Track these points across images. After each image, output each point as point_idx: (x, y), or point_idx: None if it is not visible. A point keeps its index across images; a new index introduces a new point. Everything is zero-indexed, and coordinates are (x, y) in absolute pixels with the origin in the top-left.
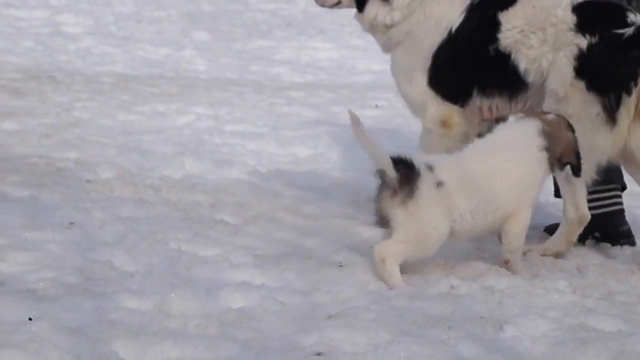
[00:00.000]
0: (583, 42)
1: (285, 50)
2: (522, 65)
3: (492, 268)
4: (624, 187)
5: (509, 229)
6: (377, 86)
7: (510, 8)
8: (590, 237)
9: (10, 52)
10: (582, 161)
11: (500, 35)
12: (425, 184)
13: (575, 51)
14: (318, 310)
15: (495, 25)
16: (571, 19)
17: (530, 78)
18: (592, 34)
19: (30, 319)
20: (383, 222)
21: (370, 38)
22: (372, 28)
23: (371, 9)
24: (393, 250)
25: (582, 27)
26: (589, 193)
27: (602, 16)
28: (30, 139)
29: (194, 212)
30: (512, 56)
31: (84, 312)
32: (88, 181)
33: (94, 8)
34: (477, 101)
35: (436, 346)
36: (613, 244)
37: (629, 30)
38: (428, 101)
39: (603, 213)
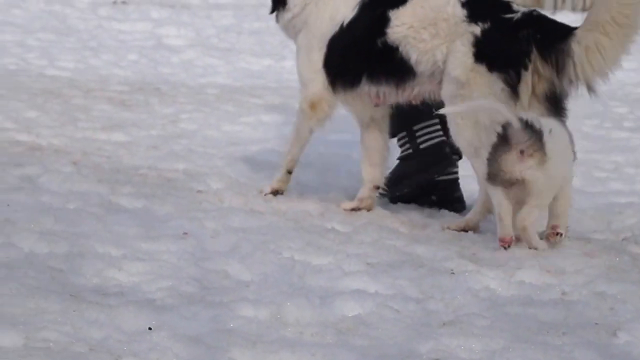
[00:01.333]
0: (477, 29)
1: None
2: (414, 57)
3: (602, 274)
4: (460, 157)
5: None
6: None
7: (400, 7)
8: (427, 199)
9: (115, 65)
10: None
11: (389, 31)
12: (552, 143)
13: (471, 38)
14: (432, 317)
15: (385, 21)
16: (462, 12)
17: (420, 68)
18: (484, 21)
19: (150, 328)
20: (505, 183)
21: None
22: (285, 31)
23: (280, 17)
24: (530, 215)
25: (473, 17)
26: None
27: (490, 7)
28: (139, 150)
29: (305, 221)
30: (400, 49)
31: (202, 321)
32: (199, 192)
33: (195, 20)
34: (366, 87)
35: (551, 352)
36: (447, 208)
37: (517, 15)
38: (315, 81)
39: (444, 180)
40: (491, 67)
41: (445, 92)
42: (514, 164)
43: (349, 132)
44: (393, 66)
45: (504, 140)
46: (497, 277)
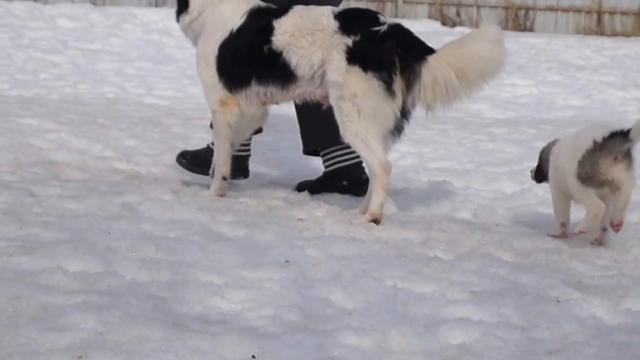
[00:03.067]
0: (349, 40)
1: (485, 87)
2: (294, 61)
3: None
4: None
5: None
6: (578, 121)
7: (282, 17)
8: (339, 185)
9: None
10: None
11: (273, 38)
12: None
13: (344, 48)
14: (538, 345)
15: (270, 30)
16: (335, 24)
17: (300, 72)
18: (355, 34)
19: (253, 356)
20: (597, 183)
21: (569, 73)
22: (185, 33)
23: (180, 20)
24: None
25: (345, 29)
26: (339, 149)
27: (360, 19)
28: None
29: (407, 249)
30: (284, 55)
31: (306, 350)
32: (300, 220)
33: None
34: (256, 88)
35: None
36: (356, 192)
37: (383, 27)
38: (214, 84)
39: (349, 165)
40: (365, 68)
41: (332, 97)
42: (608, 167)
43: (455, 160)
44: (277, 69)
45: (601, 147)
46: (603, 305)
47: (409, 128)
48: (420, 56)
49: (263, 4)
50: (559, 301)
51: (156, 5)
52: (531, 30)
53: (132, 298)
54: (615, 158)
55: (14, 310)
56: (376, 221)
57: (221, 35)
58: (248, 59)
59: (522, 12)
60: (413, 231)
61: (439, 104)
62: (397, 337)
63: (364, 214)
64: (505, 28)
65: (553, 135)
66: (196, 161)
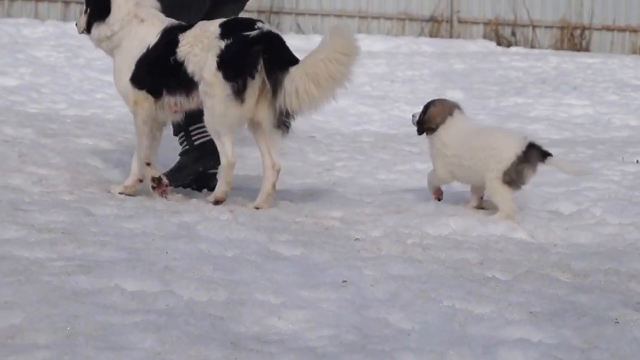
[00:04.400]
0: (223, 44)
1: (541, 108)
2: (190, 69)
3: None
4: None
5: None
6: (636, 142)
7: (187, 31)
8: (205, 188)
9: None
10: None
11: (178, 50)
12: None
13: (218, 51)
14: None
15: (177, 43)
16: (218, 31)
17: (196, 78)
18: (228, 38)
19: None
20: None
21: (626, 94)
22: (99, 43)
23: (95, 29)
24: None
25: (223, 35)
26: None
27: (238, 26)
28: (295, 198)
29: (464, 270)
30: (185, 64)
31: None
32: (356, 240)
33: None
34: (167, 98)
35: None
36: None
37: (254, 33)
38: (130, 92)
39: (215, 172)
40: (225, 76)
41: (201, 91)
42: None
43: None
44: (181, 79)
45: (525, 159)
46: None
47: None
48: (284, 67)
49: (177, 22)
50: (618, 322)
51: None
52: (587, 50)
53: (190, 318)
54: (534, 170)
55: (72, 329)
56: (218, 203)
57: (138, 52)
58: (159, 72)
59: (578, 32)
60: (470, 251)
61: (304, 111)
62: (455, 358)
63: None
64: (561, 48)
65: (610, 156)
66: (175, 171)
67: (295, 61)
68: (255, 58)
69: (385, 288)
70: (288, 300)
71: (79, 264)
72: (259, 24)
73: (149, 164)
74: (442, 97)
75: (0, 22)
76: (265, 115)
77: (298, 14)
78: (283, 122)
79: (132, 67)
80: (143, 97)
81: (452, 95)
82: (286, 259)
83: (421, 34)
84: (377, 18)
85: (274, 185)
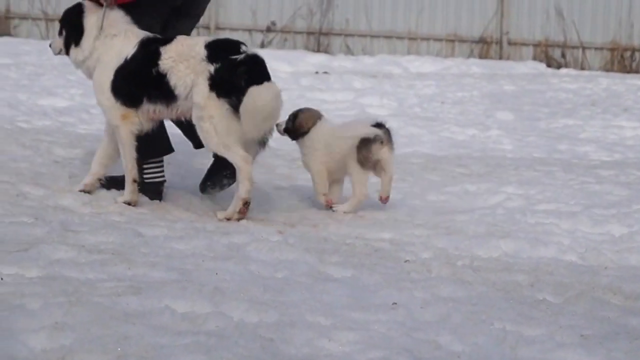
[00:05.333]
0: (212, 67)
1: (591, 129)
2: (173, 82)
3: None
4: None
5: None
6: None
7: (168, 45)
8: (224, 175)
9: None
10: None
11: (160, 62)
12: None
13: (208, 74)
14: None
15: (158, 55)
16: (204, 52)
17: (178, 91)
18: (217, 62)
19: None
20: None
21: None
22: (77, 64)
23: (72, 52)
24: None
25: (210, 58)
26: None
27: (224, 49)
28: (344, 219)
29: (515, 292)
30: (167, 76)
31: None
32: (406, 261)
33: (397, 90)
34: (147, 106)
35: None
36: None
37: (240, 56)
38: (112, 105)
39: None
40: (219, 94)
41: (194, 115)
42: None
43: (562, 202)
44: (163, 90)
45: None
46: None
47: (516, 170)
48: (248, 85)
49: (151, 34)
50: None
51: (262, 47)
52: (637, 71)
53: (240, 339)
54: (382, 142)
55: (123, 350)
56: (246, 204)
57: (116, 63)
58: (140, 81)
59: (628, 54)
60: (521, 273)
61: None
62: None
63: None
64: (611, 69)
65: None
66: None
67: (261, 81)
68: (241, 79)
69: (436, 310)
70: (338, 322)
71: (129, 285)
72: (243, 47)
73: (136, 181)
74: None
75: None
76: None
77: (347, 35)
78: (261, 140)
79: (111, 77)
80: (129, 111)
81: (502, 116)
82: (336, 280)
83: (470, 55)
84: (427, 39)
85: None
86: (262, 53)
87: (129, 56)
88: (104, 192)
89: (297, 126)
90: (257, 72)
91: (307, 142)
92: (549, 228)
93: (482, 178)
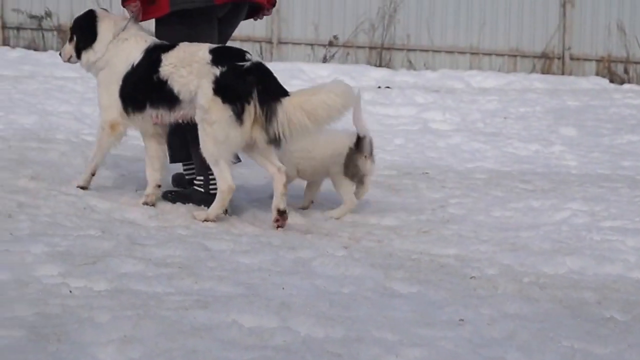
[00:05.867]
0: (217, 71)
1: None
2: (176, 88)
3: None
4: None
5: None
6: None
7: (169, 51)
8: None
9: (382, 149)
10: None
11: (161, 69)
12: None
13: (213, 77)
14: None
15: (159, 62)
16: (209, 57)
17: (182, 96)
18: (222, 66)
19: None
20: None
21: None
22: (88, 66)
23: (84, 55)
24: None
25: (215, 62)
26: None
27: (229, 55)
28: (409, 235)
29: (582, 309)
30: (168, 82)
31: None
32: (472, 278)
33: (460, 105)
34: (149, 110)
35: None
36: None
37: (247, 64)
38: (112, 108)
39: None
40: (224, 100)
41: (197, 116)
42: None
43: (627, 219)
44: (165, 95)
45: (357, 150)
46: None
47: (581, 186)
48: (277, 97)
49: (159, 41)
50: None
51: (324, 61)
52: None
53: (307, 354)
54: (366, 156)
55: None
56: (207, 221)
57: (124, 68)
58: (144, 87)
59: None
60: (587, 291)
61: (294, 137)
62: None
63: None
64: None
65: None
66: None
67: (284, 92)
68: (250, 87)
69: (502, 327)
70: (405, 338)
71: (197, 299)
72: (248, 55)
73: (93, 174)
74: None
75: None
76: (259, 135)
77: (409, 50)
78: (274, 140)
79: (120, 82)
80: (120, 121)
81: (565, 132)
82: (402, 296)
83: (533, 70)
84: (489, 54)
85: (285, 185)
86: (325, 67)
87: (135, 63)
88: (169, 205)
89: None
90: (270, 81)
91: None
92: (615, 245)
93: (547, 194)
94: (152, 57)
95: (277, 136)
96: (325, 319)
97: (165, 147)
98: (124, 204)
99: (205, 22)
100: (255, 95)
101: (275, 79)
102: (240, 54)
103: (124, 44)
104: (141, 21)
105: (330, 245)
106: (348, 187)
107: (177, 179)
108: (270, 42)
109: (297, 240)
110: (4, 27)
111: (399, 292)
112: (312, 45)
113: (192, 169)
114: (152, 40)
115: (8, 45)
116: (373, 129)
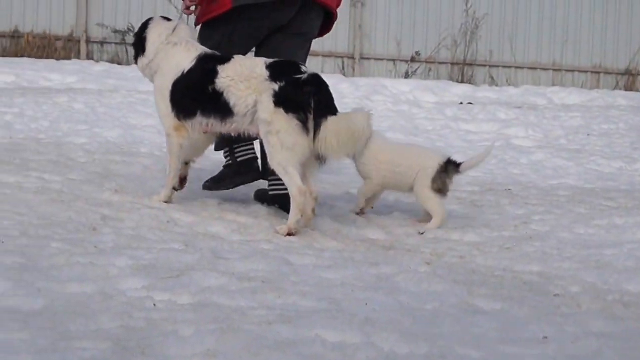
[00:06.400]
0: (276, 86)
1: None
2: (232, 101)
3: None
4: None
5: None
6: None
7: (226, 64)
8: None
9: None
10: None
11: (217, 80)
12: None
13: (272, 92)
14: None
15: (216, 73)
16: (266, 73)
17: (237, 109)
18: (280, 81)
19: None
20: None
21: None
22: (143, 70)
23: (139, 61)
24: None
25: (273, 77)
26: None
27: (285, 69)
28: (492, 251)
29: None
30: (225, 94)
31: None
32: (556, 295)
33: (543, 122)
34: (200, 119)
35: None
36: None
37: (304, 76)
38: (168, 114)
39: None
40: (287, 110)
41: (261, 132)
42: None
43: None
44: (219, 106)
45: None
46: None
47: None
48: (324, 114)
49: (209, 51)
50: None
51: (406, 77)
52: None
53: None
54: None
55: None
56: (291, 234)
57: (174, 74)
58: (196, 95)
59: None
60: None
61: (327, 156)
62: None
63: None
64: None
65: None
66: (217, 180)
67: (334, 110)
68: (309, 97)
69: (587, 345)
70: (489, 355)
71: (280, 313)
72: (303, 67)
73: (175, 188)
74: None
75: None
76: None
77: (492, 66)
78: (318, 156)
79: (170, 88)
80: (181, 124)
81: None
82: (485, 313)
83: (616, 87)
84: (571, 71)
85: (313, 210)
86: (407, 83)
87: (186, 70)
88: (252, 219)
89: None
90: (324, 95)
91: (368, 152)
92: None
93: (631, 212)
94: (207, 67)
95: (319, 152)
96: (409, 335)
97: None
98: (207, 217)
99: (257, 22)
100: (312, 105)
101: (329, 93)
102: (296, 67)
103: (173, 49)
104: (203, 22)
105: (413, 261)
106: (436, 200)
107: (260, 196)
108: (352, 57)
109: (380, 256)
110: (89, 41)
111: (482, 309)
112: (394, 60)
113: (277, 184)
114: (202, 48)
115: (92, 59)
116: (455, 145)
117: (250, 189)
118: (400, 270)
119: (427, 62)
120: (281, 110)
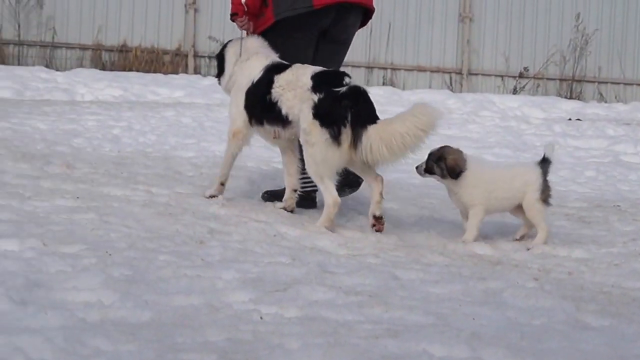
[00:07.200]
0: (316, 97)
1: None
2: (284, 109)
3: None
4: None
5: None
6: None
7: (281, 73)
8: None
9: (573, 181)
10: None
11: (273, 90)
12: None
13: (312, 103)
14: None
15: (272, 83)
16: (310, 83)
17: (290, 117)
18: (320, 92)
19: None
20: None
21: None
22: (225, 89)
23: (221, 81)
24: None
25: (315, 88)
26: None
27: (328, 80)
28: (600, 267)
29: None
30: (278, 103)
31: None
32: None
33: None
34: (267, 126)
35: None
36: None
37: (343, 89)
38: (238, 119)
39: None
40: (322, 123)
41: (301, 139)
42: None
43: None
44: (276, 114)
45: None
46: None
47: None
48: (364, 124)
49: (277, 60)
50: None
51: (514, 93)
52: None
53: None
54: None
55: None
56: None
57: (246, 84)
58: (260, 105)
59: None
60: None
61: (378, 164)
62: None
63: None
64: None
65: None
66: (272, 195)
67: (374, 119)
68: (345, 111)
69: None
70: None
71: (387, 327)
72: (347, 79)
73: (223, 184)
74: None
75: None
76: (355, 156)
77: (600, 82)
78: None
79: (243, 96)
80: (243, 129)
81: None
82: (594, 329)
83: None
84: None
85: (381, 193)
86: (515, 99)
87: (255, 80)
88: (359, 234)
89: (451, 168)
90: (363, 106)
91: (466, 181)
92: None
93: None
94: (268, 77)
95: (365, 160)
96: (516, 350)
97: (299, 155)
98: (314, 231)
99: (303, 32)
100: (349, 117)
101: (369, 104)
102: (339, 79)
103: (246, 64)
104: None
105: (521, 276)
106: (543, 212)
107: (268, 198)
108: (460, 73)
109: (487, 271)
110: (196, 55)
111: (591, 325)
112: (502, 76)
113: (307, 182)
114: (272, 58)
115: (199, 73)
116: (564, 161)
117: (357, 203)
118: (507, 286)
119: (535, 77)
120: (317, 123)
